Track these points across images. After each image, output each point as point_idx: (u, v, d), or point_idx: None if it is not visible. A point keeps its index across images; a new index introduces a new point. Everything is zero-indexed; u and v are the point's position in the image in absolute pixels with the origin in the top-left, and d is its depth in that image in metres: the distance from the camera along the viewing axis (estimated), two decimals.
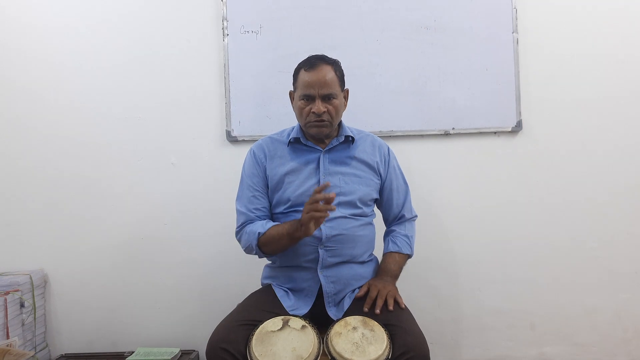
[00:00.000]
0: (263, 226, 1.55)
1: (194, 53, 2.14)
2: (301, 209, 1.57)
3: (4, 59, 2.16)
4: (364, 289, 1.55)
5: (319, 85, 1.54)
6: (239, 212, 1.63)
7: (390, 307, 1.47)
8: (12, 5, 2.15)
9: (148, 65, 2.14)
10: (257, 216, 1.61)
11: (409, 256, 1.70)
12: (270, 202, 1.65)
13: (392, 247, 1.68)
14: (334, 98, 1.57)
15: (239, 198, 1.65)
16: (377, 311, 1.45)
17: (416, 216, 1.78)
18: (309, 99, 1.56)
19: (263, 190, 1.64)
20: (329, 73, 1.56)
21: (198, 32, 2.13)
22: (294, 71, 1.63)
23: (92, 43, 2.15)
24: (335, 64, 1.60)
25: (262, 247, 1.56)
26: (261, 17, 2.10)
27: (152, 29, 2.14)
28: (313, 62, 1.57)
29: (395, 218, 1.74)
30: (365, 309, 1.47)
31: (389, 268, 1.63)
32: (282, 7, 2.10)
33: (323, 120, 1.56)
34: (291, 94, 1.67)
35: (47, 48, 2.15)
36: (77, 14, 2.15)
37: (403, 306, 1.51)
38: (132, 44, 2.14)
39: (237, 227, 1.63)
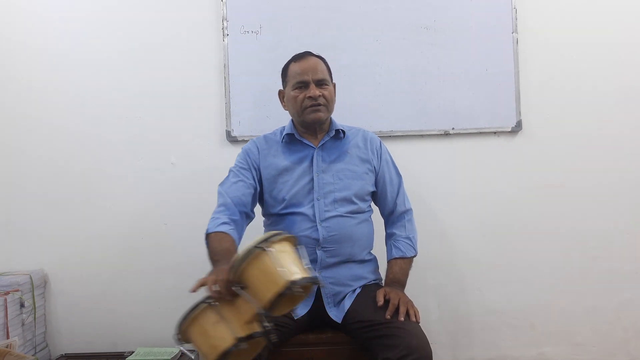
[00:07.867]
0: (216, 226, 1.50)
1: (194, 53, 2.13)
2: (296, 210, 1.57)
3: (4, 58, 2.16)
4: (381, 297, 1.49)
5: (312, 71, 1.57)
6: (219, 194, 1.61)
7: (412, 318, 1.44)
8: (13, 5, 2.15)
9: (148, 65, 2.14)
10: (233, 202, 1.57)
11: (414, 256, 1.68)
12: (265, 202, 1.65)
13: (395, 253, 1.65)
14: (326, 85, 1.60)
15: (222, 183, 1.64)
16: (402, 318, 1.42)
17: (410, 209, 1.73)
18: (302, 85, 1.58)
19: (247, 181, 1.61)
20: (319, 63, 1.61)
21: (198, 32, 2.13)
22: (282, 70, 1.66)
23: (92, 43, 2.14)
24: (322, 58, 1.65)
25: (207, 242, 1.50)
26: (261, 17, 2.10)
27: (152, 29, 2.14)
28: (301, 54, 1.63)
29: (391, 212, 1.71)
30: (388, 316, 1.43)
31: (397, 278, 1.60)
32: (282, 7, 2.10)
33: (319, 104, 1.57)
34: (281, 93, 1.68)
35: (46, 49, 2.14)
36: (77, 14, 2.14)
37: (419, 320, 1.46)
38: (132, 44, 2.14)
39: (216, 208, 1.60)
